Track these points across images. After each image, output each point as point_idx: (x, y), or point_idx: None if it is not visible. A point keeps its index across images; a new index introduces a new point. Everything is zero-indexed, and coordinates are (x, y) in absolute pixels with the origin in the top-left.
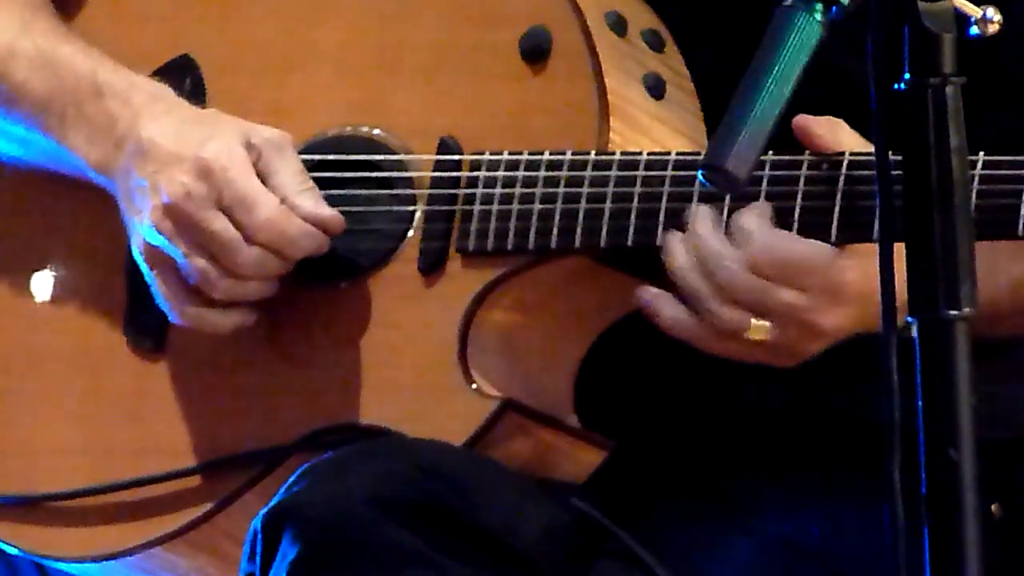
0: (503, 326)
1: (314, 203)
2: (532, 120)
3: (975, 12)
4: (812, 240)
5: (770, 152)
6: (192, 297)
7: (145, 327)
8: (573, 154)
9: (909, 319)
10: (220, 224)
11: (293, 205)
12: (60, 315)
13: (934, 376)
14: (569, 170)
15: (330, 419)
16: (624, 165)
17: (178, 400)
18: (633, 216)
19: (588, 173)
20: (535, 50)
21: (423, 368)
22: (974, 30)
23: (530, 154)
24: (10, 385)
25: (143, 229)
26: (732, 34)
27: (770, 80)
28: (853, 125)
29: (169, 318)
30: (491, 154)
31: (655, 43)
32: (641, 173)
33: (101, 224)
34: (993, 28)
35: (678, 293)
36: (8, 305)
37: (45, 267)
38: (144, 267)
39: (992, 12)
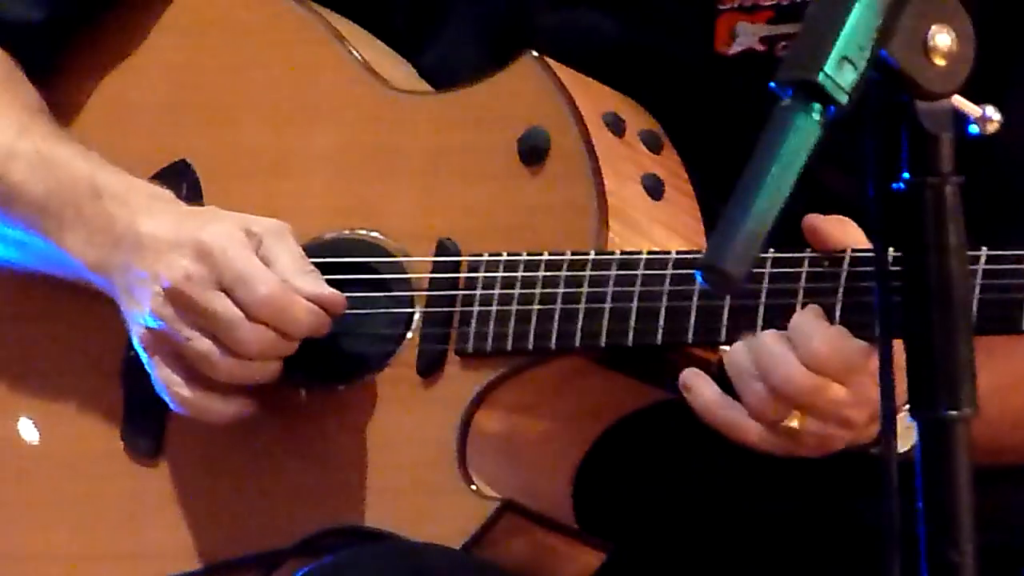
0: (502, 427)
1: (315, 283)
2: (531, 221)
3: (974, 111)
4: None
5: (771, 249)
6: (193, 383)
7: (142, 431)
8: (572, 254)
9: (909, 419)
10: (221, 304)
11: (294, 286)
12: (56, 421)
13: (934, 476)
14: (568, 270)
15: (329, 522)
16: (623, 265)
17: (175, 504)
18: (633, 316)
19: (587, 273)
20: (533, 151)
21: (422, 470)
22: (973, 129)
23: (528, 255)
24: (4, 492)
25: (144, 318)
26: (729, 136)
27: (768, 180)
28: None
29: (170, 406)
30: (489, 255)
31: (653, 144)
32: (641, 272)
33: (98, 329)
34: (992, 127)
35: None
36: (3, 411)
37: (41, 372)
38: (144, 356)
39: (991, 111)
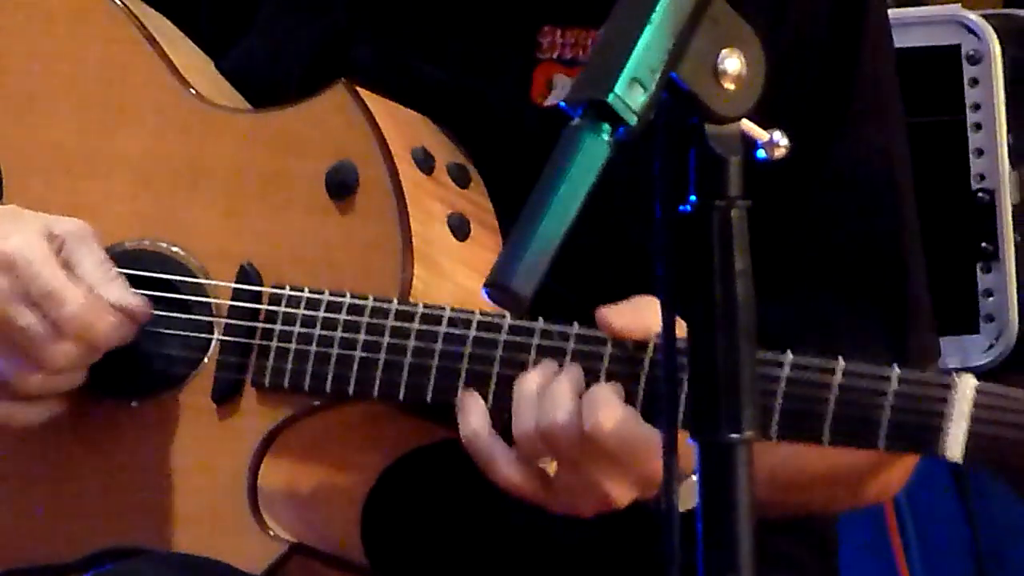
0: (293, 464)
1: (121, 291)
2: (335, 256)
3: (762, 136)
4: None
5: (575, 324)
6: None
7: None
8: (375, 300)
9: (690, 440)
10: (27, 319)
11: (100, 294)
12: None
13: (715, 500)
14: (370, 317)
15: (115, 541)
16: (426, 319)
17: None
18: (433, 373)
19: (389, 323)
20: (341, 186)
21: (212, 502)
22: (761, 153)
23: (331, 295)
24: None
25: None
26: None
27: (556, 199)
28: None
29: None
30: (292, 289)
31: (461, 178)
32: (443, 330)
33: None
34: (780, 152)
35: None
36: None
37: None
38: None
39: (779, 136)
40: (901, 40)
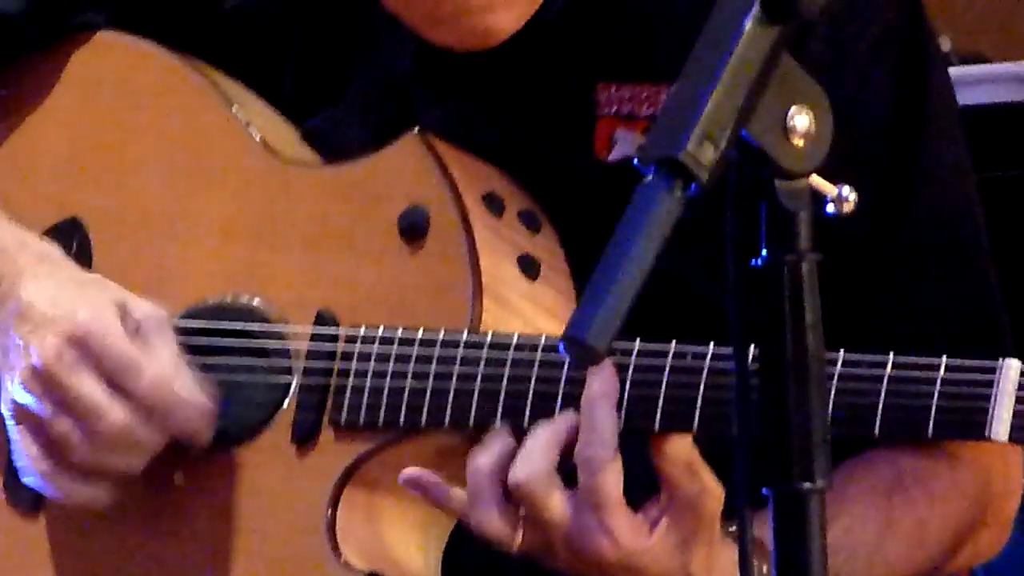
0: (371, 498)
1: (191, 385)
2: (408, 297)
3: (831, 191)
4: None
5: (637, 340)
6: (52, 462)
7: (23, 483)
8: (445, 333)
9: (764, 491)
10: (89, 388)
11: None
12: None
13: (787, 548)
14: (441, 348)
15: None
16: (494, 346)
17: (51, 562)
18: (502, 397)
19: (459, 352)
20: (413, 228)
21: (292, 538)
22: (830, 208)
23: (404, 331)
24: None
25: (13, 387)
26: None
27: (630, 256)
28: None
29: (26, 480)
30: (366, 329)
31: (531, 223)
32: (511, 355)
33: None
34: (848, 207)
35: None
36: None
37: None
38: (10, 423)
39: (847, 191)
40: (966, 98)
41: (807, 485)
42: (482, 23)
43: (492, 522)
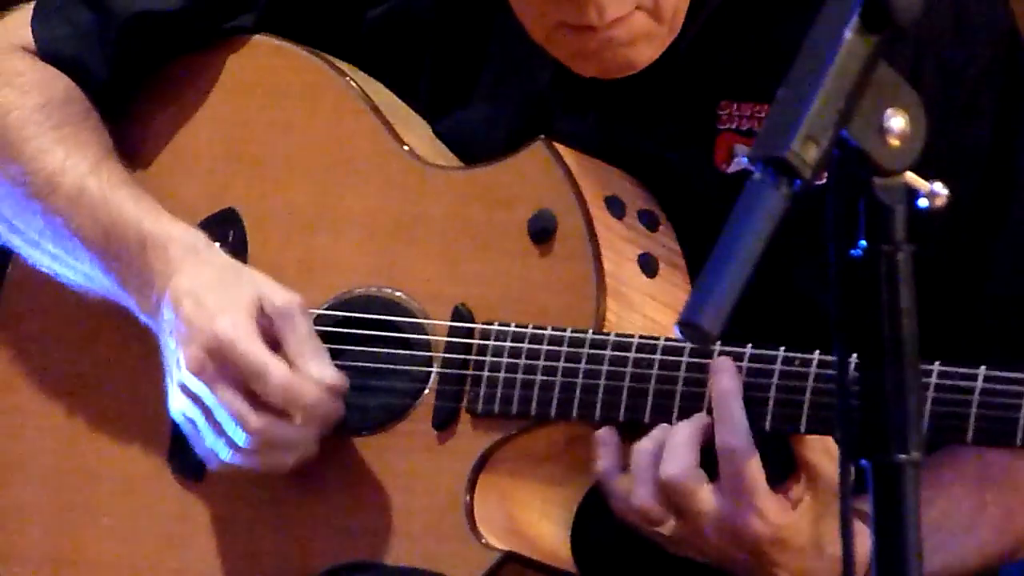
0: (507, 481)
1: (320, 366)
2: (537, 295)
3: (924, 187)
4: (780, 499)
5: (749, 345)
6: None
7: (187, 453)
8: (572, 331)
9: (863, 462)
10: (228, 397)
11: (300, 368)
12: (110, 439)
13: (885, 516)
14: (568, 347)
15: (349, 557)
16: (617, 346)
17: (214, 529)
18: (624, 394)
19: (585, 351)
20: (541, 232)
21: (433, 517)
22: (923, 203)
23: (534, 328)
24: (66, 499)
25: (177, 380)
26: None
27: (740, 247)
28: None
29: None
30: (499, 325)
31: (650, 223)
32: (633, 355)
33: (149, 354)
34: (940, 201)
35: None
36: (62, 426)
37: (99, 393)
38: (179, 416)
39: (939, 187)
40: None
41: (903, 457)
42: (625, 57)
43: (649, 500)
